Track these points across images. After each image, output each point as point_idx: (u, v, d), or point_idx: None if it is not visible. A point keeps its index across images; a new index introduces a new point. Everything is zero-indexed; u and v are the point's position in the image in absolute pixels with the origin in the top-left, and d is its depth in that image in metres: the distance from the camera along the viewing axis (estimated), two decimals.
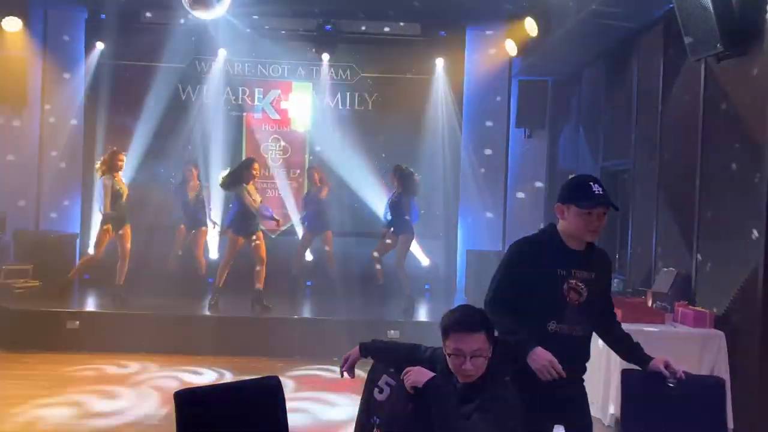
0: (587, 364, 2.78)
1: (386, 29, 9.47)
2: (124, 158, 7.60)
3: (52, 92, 9.06)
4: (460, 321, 2.37)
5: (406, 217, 7.61)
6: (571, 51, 7.66)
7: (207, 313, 7.24)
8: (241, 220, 7.32)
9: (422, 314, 7.75)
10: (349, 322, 6.89)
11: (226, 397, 2.38)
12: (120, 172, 7.47)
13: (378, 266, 7.77)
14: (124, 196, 7.42)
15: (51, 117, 9.11)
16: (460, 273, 9.14)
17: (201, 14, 5.16)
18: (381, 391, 2.78)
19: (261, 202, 7.53)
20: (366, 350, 2.78)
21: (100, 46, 8.99)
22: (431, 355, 2.59)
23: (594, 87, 8.01)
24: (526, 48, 8.15)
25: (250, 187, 7.36)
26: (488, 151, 9.47)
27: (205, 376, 6.12)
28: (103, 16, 8.86)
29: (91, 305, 7.74)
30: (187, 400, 2.24)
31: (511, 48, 8.29)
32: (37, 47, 8.81)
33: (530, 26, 7.42)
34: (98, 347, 6.63)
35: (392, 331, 6.74)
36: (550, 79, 9.19)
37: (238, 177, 7.33)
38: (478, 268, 8.36)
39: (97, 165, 7.44)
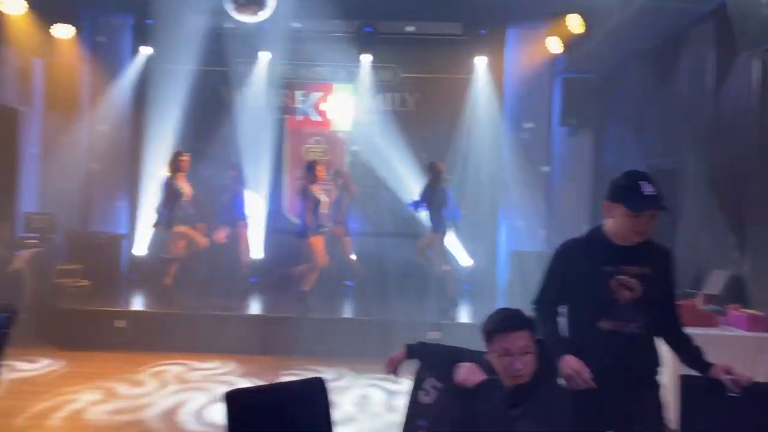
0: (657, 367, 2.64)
1: (427, 29, 9.43)
2: (187, 158, 7.73)
3: (101, 97, 9.30)
4: (503, 321, 2.38)
5: (440, 213, 7.58)
6: (617, 47, 7.51)
7: (246, 312, 7.31)
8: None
9: (463, 316, 7.68)
10: (389, 323, 6.89)
11: (273, 397, 2.40)
12: (183, 173, 7.62)
13: (425, 260, 7.81)
14: (185, 197, 7.56)
15: (99, 121, 9.34)
16: (502, 274, 9.04)
17: (246, 19, 5.21)
18: (427, 393, 2.76)
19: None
20: (412, 352, 2.77)
21: (145, 51, 9.19)
22: (477, 360, 2.56)
23: (641, 83, 7.82)
24: (570, 45, 8.03)
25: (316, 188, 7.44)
26: (531, 151, 9.34)
27: (249, 376, 6.20)
28: (149, 21, 9.06)
29: (138, 305, 7.89)
30: (236, 400, 2.27)
31: (554, 45, 8.16)
32: (87, 53, 9.05)
33: (575, 23, 7.30)
34: (145, 347, 6.78)
35: (433, 332, 6.70)
36: (594, 76, 9.01)
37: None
38: (521, 269, 8.27)
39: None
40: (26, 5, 7.85)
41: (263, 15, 5.22)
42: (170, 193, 7.47)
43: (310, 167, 7.42)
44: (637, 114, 7.88)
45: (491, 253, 9.24)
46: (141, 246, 9.17)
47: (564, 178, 9.43)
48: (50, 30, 8.32)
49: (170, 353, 6.62)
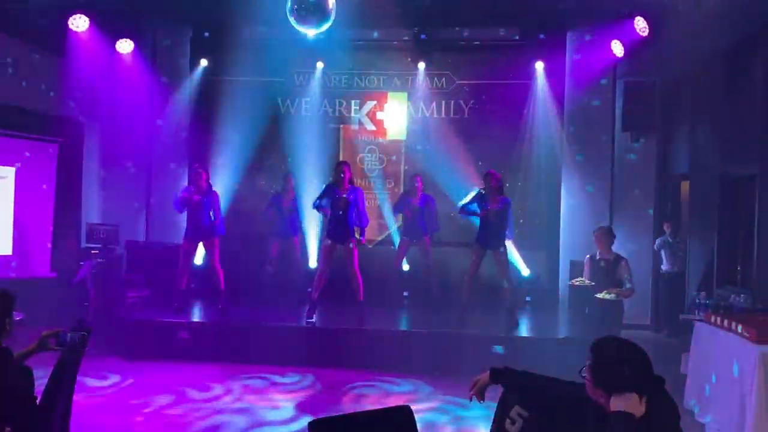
0: None
1: (483, 35, 9.27)
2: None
3: (161, 108, 9.45)
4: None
5: (500, 227, 7.31)
6: (685, 50, 7.23)
7: (305, 324, 7.25)
8: None
9: (524, 329, 7.46)
10: (449, 336, 6.76)
11: (359, 426, 2.31)
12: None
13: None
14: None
15: (160, 132, 9.50)
16: (563, 284, 8.78)
17: (307, 30, 5.19)
18: (513, 422, 2.63)
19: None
20: (497, 377, 2.64)
21: (204, 62, 9.31)
22: (572, 391, 2.40)
23: (711, 87, 7.49)
24: (634, 48, 7.77)
25: None
26: (592, 157, 9.06)
27: (300, 388, 6.16)
28: (206, 34, 9.17)
29: (198, 316, 7.95)
30: (322, 429, 2.18)
31: (617, 49, 7.91)
32: (147, 66, 9.23)
33: (641, 26, 7.04)
34: (206, 357, 6.80)
35: (497, 347, 6.52)
36: (659, 79, 8.69)
37: None
38: None
39: None
40: (90, 22, 8.07)
41: (325, 25, 5.17)
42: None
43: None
44: (708, 118, 7.56)
45: (552, 263, 8.98)
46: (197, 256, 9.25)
47: (627, 185, 9.12)
48: (113, 45, 8.50)
49: (238, 364, 6.62)
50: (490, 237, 7.21)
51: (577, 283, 6.50)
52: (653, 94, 8.77)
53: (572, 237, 8.94)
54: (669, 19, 7.16)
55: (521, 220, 8.81)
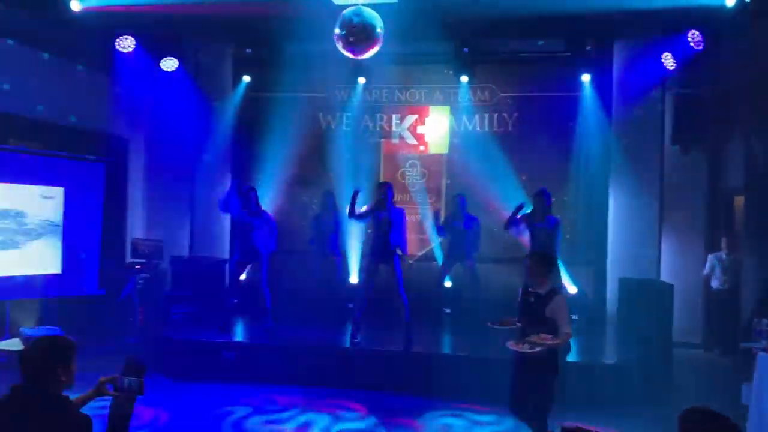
0: None
1: (527, 47, 9.09)
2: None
3: (204, 124, 9.49)
4: None
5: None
6: (739, 61, 6.95)
7: (350, 345, 7.18)
8: None
9: (572, 352, 7.25)
10: (493, 361, 6.58)
11: None
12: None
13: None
14: None
15: (203, 147, 9.55)
16: (611, 303, 8.55)
17: (355, 56, 5.13)
18: None
19: None
20: None
21: (246, 78, 9.34)
22: None
23: None
24: (685, 60, 7.52)
25: None
26: (640, 171, 8.80)
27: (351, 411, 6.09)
28: (248, 50, 9.19)
29: (243, 335, 7.95)
30: None
31: (668, 62, 7.67)
32: (190, 82, 9.30)
33: (695, 39, 6.80)
34: (252, 377, 6.80)
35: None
36: (710, 91, 8.39)
37: None
38: (632, 298, 7.78)
39: None
40: (135, 42, 8.16)
41: (373, 51, 5.10)
42: None
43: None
44: (766, 130, 7.26)
45: (599, 281, 8.75)
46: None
47: (677, 199, 8.84)
48: (158, 63, 8.58)
49: (285, 386, 6.58)
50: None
51: (493, 326, 4.80)
52: (704, 106, 8.48)
53: (620, 253, 8.72)
54: (723, 31, 6.91)
55: (567, 236, 8.60)
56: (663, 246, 8.79)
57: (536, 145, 8.85)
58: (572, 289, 8.60)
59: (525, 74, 9.15)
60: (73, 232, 7.96)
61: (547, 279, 4.57)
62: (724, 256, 8.37)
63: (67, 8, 6.88)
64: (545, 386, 4.46)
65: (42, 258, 7.66)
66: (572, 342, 7.62)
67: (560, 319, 4.40)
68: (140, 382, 3.18)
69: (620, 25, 7.99)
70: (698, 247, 8.90)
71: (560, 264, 7.99)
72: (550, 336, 4.35)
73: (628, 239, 8.72)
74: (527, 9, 7.34)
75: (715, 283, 8.49)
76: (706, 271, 8.56)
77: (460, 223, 8.21)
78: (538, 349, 4.31)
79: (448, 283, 8.71)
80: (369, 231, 8.03)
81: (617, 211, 8.86)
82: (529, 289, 4.60)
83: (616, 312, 8.28)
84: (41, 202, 7.65)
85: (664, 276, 8.59)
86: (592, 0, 6.93)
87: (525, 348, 4.36)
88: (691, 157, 8.80)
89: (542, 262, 4.63)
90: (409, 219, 9.22)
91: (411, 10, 7.09)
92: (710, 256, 8.53)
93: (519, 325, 4.63)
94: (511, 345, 4.47)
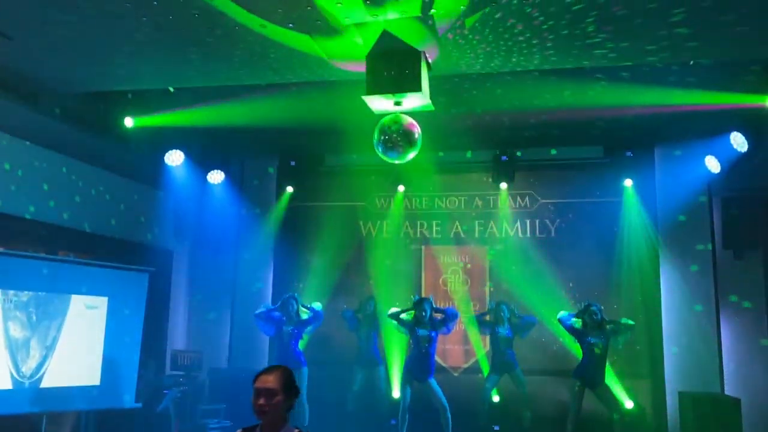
0: None
1: (566, 154, 9.11)
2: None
3: (248, 234, 9.64)
4: None
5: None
6: None
7: None
8: None
9: None
10: None
11: None
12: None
13: None
14: None
15: (245, 257, 9.65)
16: (672, 419, 7.95)
17: (395, 160, 5.20)
18: None
19: None
20: None
21: (289, 189, 9.54)
22: None
23: None
24: (731, 163, 7.39)
25: None
26: (692, 277, 8.44)
27: None
28: (292, 162, 9.46)
29: None
30: None
31: (712, 165, 7.55)
32: (236, 194, 9.55)
33: (738, 141, 6.71)
34: None
35: None
36: (761, 192, 8.16)
37: None
38: (695, 413, 7.24)
39: None
40: (183, 155, 8.48)
41: (411, 155, 5.18)
42: None
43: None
44: None
45: (658, 394, 8.19)
46: None
47: (733, 306, 8.39)
48: (205, 176, 8.88)
49: None
50: (596, 374, 6.90)
51: None
52: (755, 208, 8.23)
53: (679, 364, 8.20)
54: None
55: (619, 346, 8.17)
56: (725, 356, 8.24)
57: (581, 251, 8.65)
58: (629, 403, 8.06)
59: (565, 180, 9.12)
60: (113, 343, 7.93)
61: None
62: None
63: (122, 125, 7.22)
64: None
65: (80, 369, 7.60)
66: None
67: None
68: None
69: (659, 130, 7.98)
70: (763, 360, 8.31)
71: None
72: None
73: (686, 349, 8.23)
74: (564, 118, 7.44)
75: None
76: None
77: (504, 329, 7.93)
78: None
79: (496, 398, 8.28)
80: (410, 345, 7.84)
81: (671, 318, 8.43)
82: None
83: (680, 429, 7.67)
84: (85, 312, 7.70)
85: (729, 389, 8.00)
86: (629, 106, 6.95)
87: None
88: (746, 261, 8.42)
89: None
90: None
91: (450, 117, 7.25)
92: None
93: None
94: None
